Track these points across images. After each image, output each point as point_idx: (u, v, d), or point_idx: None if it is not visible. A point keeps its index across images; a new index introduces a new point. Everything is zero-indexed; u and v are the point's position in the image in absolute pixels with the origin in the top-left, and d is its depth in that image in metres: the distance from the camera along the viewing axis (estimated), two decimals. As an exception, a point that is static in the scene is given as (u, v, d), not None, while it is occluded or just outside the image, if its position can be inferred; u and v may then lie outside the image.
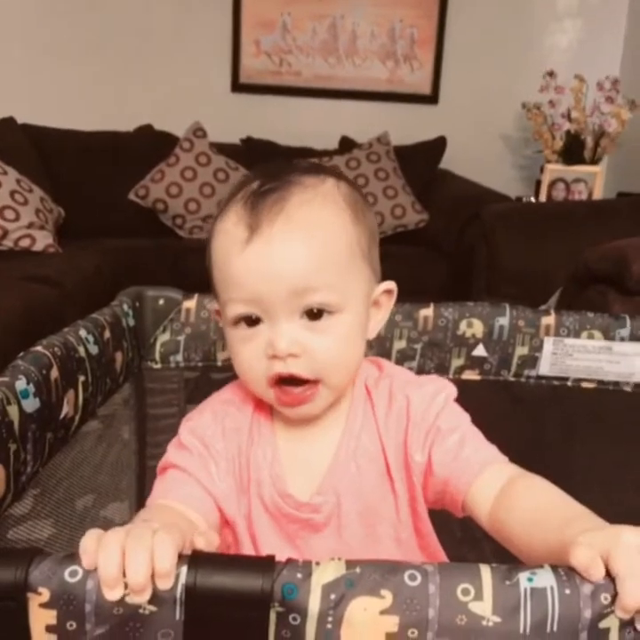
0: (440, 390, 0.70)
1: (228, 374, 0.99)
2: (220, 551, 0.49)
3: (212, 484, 0.67)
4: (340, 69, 3.42)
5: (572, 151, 3.04)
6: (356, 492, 0.68)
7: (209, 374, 1.02)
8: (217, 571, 0.37)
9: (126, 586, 0.39)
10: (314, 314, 0.62)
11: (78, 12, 3.23)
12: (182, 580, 0.38)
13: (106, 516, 0.97)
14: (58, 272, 2.24)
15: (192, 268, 2.72)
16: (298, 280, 0.61)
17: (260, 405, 0.72)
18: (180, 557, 0.40)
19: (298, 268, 0.61)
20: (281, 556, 0.40)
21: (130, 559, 0.40)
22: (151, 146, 3.11)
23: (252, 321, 0.63)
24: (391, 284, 0.71)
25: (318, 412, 0.67)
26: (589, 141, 3.05)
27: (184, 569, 0.38)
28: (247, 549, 0.69)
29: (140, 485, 1.04)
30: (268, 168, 0.67)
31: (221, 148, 3.13)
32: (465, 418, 0.70)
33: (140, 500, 1.03)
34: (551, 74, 3.06)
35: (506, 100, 3.30)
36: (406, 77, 3.44)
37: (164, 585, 0.39)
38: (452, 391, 0.71)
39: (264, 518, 0.69)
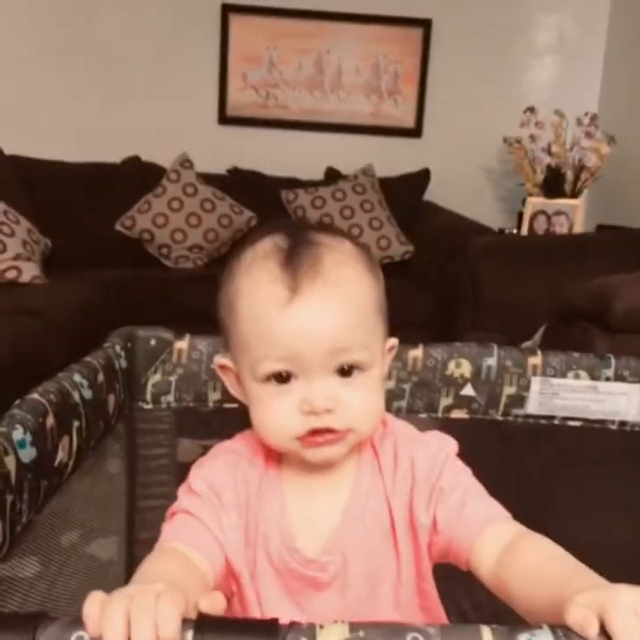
0: (442, 448, 0.72)
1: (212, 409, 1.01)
2: (225, 605, 0.49)
3: (222, 532, 0.67)
4: (325, 103, 3.47)
5: (553, 184, 3.10)
6: (363, 553, 0.69)
7: (197, 408, 1.02)
8: (223, 635, 0.38)
9: (132, 652, 0.39)
10: (345, 371, 0.65)
11: (67, 45, 3.26)
12: (189, 644, 0.38)
13: (92, 554, 0.96)
14: (44, 304, 2.24)
15: (179, 298, 2.76)
16: (336, 340, 0.63)
17: (269, 460, 0.72)
18: (185, 622, 0.40)
19: (337, 328, 0.63)
20: (283, 613, 0.40)
21: (135, 628, 0.40)
22: (138, 177, 3.13)
23: (283, 378, 0.65)
24: (395, 341, 0.74)
25: (341, 457, 0.68)
26: (570, 175, 3.11)
27: (189, 634, 0.39)
28: (250, 603, 0.69)
29: (129, 525, 1.03)
30: (287, 225, 0.70)
31: (208, 179, 3.16)
32: (466, 473, 0.71)
33: (129, 540, 1.02)
34: (531, 109, 3.12)
35: (487, 134, 3.36)
36: (390, 111, 3.50)
37: None
38: (454, 447, 0.73)
39: (269, 573, 0.69)
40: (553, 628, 0.40)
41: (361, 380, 0.66)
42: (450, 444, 0.73)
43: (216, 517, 0.68)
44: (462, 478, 0.70)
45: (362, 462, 0.72)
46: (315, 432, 0.65)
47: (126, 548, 1.03)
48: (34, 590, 0.71)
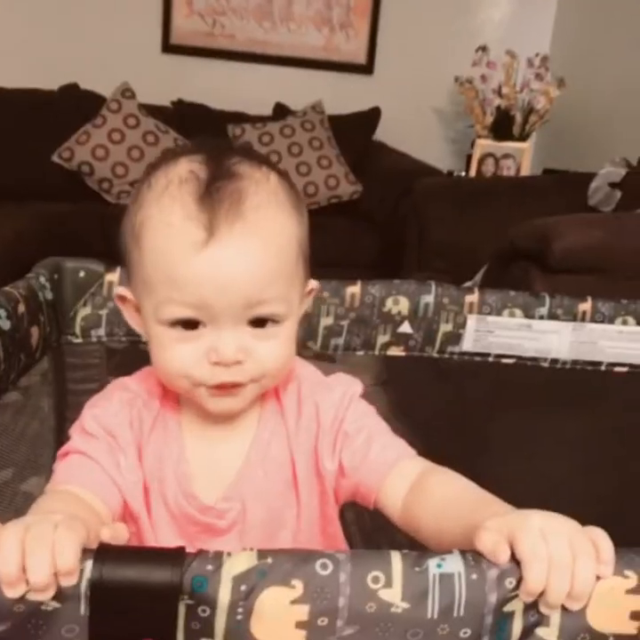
0: (346, 392, 0.70)
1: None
2: (128, 537, 0.47)
3: (119, 474, 0.64)
4: (274, 34, 3.35)
5: (502, 127, 3.09)
6: (262, 499, 0.67)
7: (136, 346, 0.99)
8: (124, 564, 0.37)
9: (28, 582, 0.38)
10: (258, 321, 0.61)
11: (-3, -40, 3.05)
12: (87, 574, 0.37)
13: (26, 491, 0.94)
14: (-25, 237, 2.15)
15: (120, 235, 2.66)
16: (251, 293, 0.59)
17: (166, 402, 0.69)
18: (85, 552, 0.38)
19: (253, 280, 0.58)
20: None
21: (30, 559, 0.38)
22: (76, 106, 2.99)
23: (190, 325, 0.60)
24: (316, 284, 0.70)
25: (241, 409, 0.65)
26: (519, 117, 3.10)
27: (89, 563, 0.37)
28: (150, 544, 0.67)
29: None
30: (205, 145, 0.62)
31: (151, 111, 3.04)
32: (370, 413, 0.70)
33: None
34: (484, 48, 3.08)
35: (439, 73, 3.32)
36: (342, 45, 3.41)
37: (67, 582, 0.38)
38: (357, 389, 0.71)
39: (164, 517, 0.67)
40: (463, 552, 0.40)
41: (274, 332, 0.62)
42: (353, 386, 0.71)
43: (113, 459, 0.65)
44: (366, 420, 0.69)
45: (265, 409, 0.69)
46: (222, 385, 0.61)
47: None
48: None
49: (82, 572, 0.37)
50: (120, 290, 0.68)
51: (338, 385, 0.71)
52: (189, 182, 0.59)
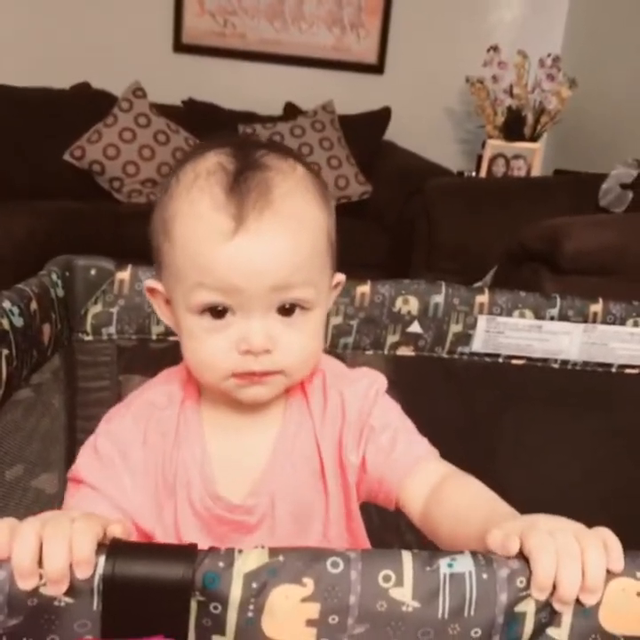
0: (371, 385, 0.70)
1: (165, 345, 0.98)
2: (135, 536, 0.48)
3: (124, 498, 0.64)
4: (285, 34, 3.35)
5: (513, 127, 3.07)
6: (291, 492, 0.67)
7: (147, 344, 1.00)
8: (136, 560, 0.37)
9: (41, 577, 0.38)
10: (286, 309, 0.61)
11: (10, -41, 3.06)
12: (100, 569, 0.37)
13: (37, 487, 0.95)
14: (-13, 235, 2.16)
15: (131, 234, 2.65)
16: (281, 277, 0.59)
17: (188, 401, 0.69)
18: (99, 547, 0.39)
19: (284, 265, 0.59)
20: None
21: (48, 547, 0.39)
22: (88, 104, 2.99)
23: (219, 312, 0.60)
24: (342, 277, 0.69)
25: (270, 399, 0.65)
26: (530, 118, 3.09)
27: (102, 559, 0.37)
28: None
29: (68, 459, 1.01)
30: (230, 141, 0.63)
31: (162, 110, 3.04)
32: (396, 411, 0.70)
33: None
34: (495, 48, 3.07)
35: (450, 73, 3.31)
36: (353, 45, 3.40)
37: (82, 573, 0.38)
38: (383, 384, 0.71)
39: (191, 522, 0.66)
40: (474, 553, 0.40)
41: (303, 321, 0.62)
42: (379, 380, 0.71)
43: (118, 483, 0.64)
44: (392, 416, 0.69)
45: (290, 401, 0.69)
46: (251, 373, 0.62)
47: (65, 482, 1.01)
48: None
49: (95, 567, 0.37)
50: (149, 282, 0.68)
51: (363, 377, 0.71)
52: (217, 174, 0.59)
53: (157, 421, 0.68)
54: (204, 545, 0.62)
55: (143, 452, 0.67)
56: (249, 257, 0.58)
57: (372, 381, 0.70)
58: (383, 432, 0.67)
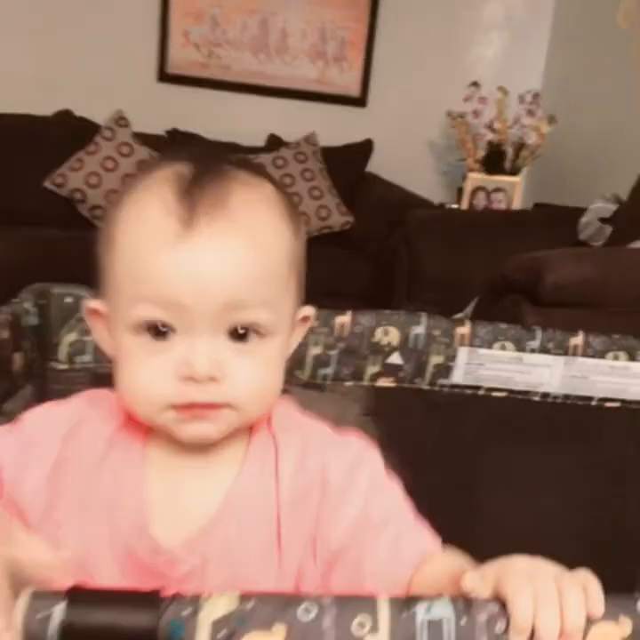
0: (363, 459, 0.60)
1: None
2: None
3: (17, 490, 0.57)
4: (269, 66, 3.38)
5: (493, 161, 3.12)
6: (229, 559, 0.56)
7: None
8: (97, 607, 0.35)
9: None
10: (239, 334, 0.53)
11: (-4, -12, 3.08)
12: (57, 618, 0.35)
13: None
14: (-36, 261, 2.13)
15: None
16: (234, 294, 0.51)
17: (132, 423, 0.59)
18: (56, 593, 0.36)
19: (237, 280, 0.51)
20: None
21: None
22: (70, 132, 2.99)
23: (160, 332, 0.52)
24: (312, 311, 0.63)
25: (217, 437, 0.55)
26: (510, 152, 3.13)
27: (60, 606, 0.35)
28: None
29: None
30: (196, 153, 0.57)
31: (145, 139, 3.05)
32: (396, 495, 0.60)
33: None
34: (476, 84, 3.12)
35: (432, 107, 3.35)
36: (336, 78, 3.44)
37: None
38: (379, 462, 0.61)
39: (106, 555, 0.56)
40: (453, 598, 0.39)
41: (258, 349, 0.53)
42: (373, 456, 0.61)
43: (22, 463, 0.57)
44: (393, 504, 0.59)
45: (252, 451, 0.59)
46: (192, 405, 0.53)
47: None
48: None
49: (51, 616, 0.35)
50: (92, 303, 0.60)
51: (352, 446, 0.62)
52: (172, 180, 0.53)
53: (89, 427, 0.59)
54: (116, 579, 0.54)
55: (55, 451, 0.58)
56: (196, 267, 0.50)
57: (364, 454, 0.61)
58: (385, 528, 0.57)
